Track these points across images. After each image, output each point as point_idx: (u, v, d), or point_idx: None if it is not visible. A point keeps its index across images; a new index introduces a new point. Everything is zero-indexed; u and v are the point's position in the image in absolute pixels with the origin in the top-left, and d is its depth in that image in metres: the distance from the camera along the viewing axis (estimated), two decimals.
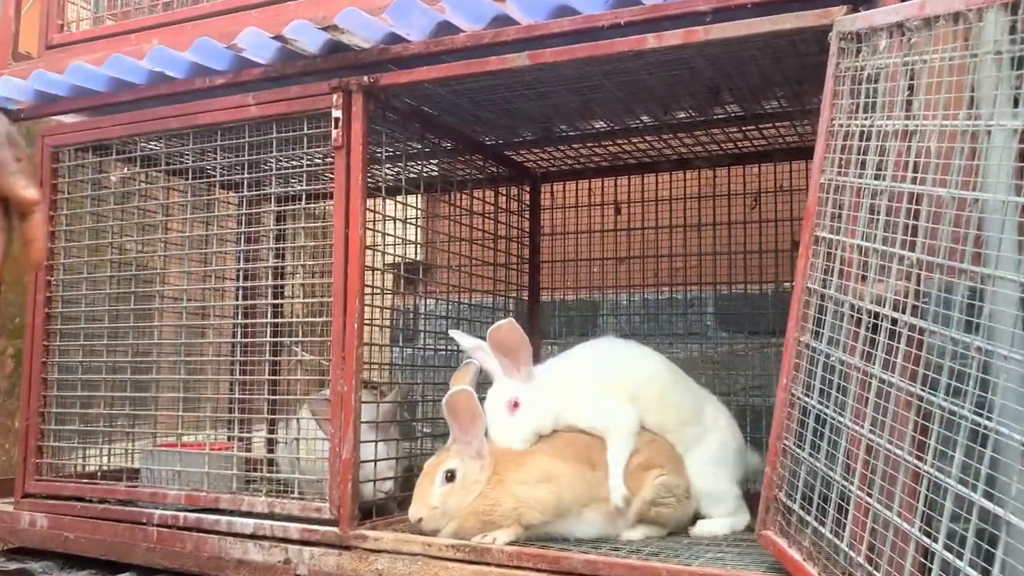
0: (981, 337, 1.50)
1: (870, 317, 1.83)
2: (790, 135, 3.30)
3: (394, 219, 2.94)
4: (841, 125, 1.98)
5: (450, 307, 3.43)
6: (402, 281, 3.64)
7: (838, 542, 1.86)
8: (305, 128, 2.69)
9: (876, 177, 1.84)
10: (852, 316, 1.89)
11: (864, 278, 1.87)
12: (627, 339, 3.07)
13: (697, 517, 2.74)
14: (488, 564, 2.32)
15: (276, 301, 3.00)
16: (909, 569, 1.63)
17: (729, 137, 3.33)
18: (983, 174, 1.54)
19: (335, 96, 2.60)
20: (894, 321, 1.75)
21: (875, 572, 1.74)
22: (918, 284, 1.70)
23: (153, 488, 2.87)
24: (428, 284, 3.76)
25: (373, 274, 2.78)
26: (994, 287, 1.49)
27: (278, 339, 3.14)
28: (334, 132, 2.60)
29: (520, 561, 2.28)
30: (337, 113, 2.59)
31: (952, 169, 1.60)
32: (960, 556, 1.48)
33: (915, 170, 1.72)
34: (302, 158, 2.77)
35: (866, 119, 1.89)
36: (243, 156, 2.79)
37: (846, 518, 1.85)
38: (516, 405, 2.66)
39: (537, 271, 3.81)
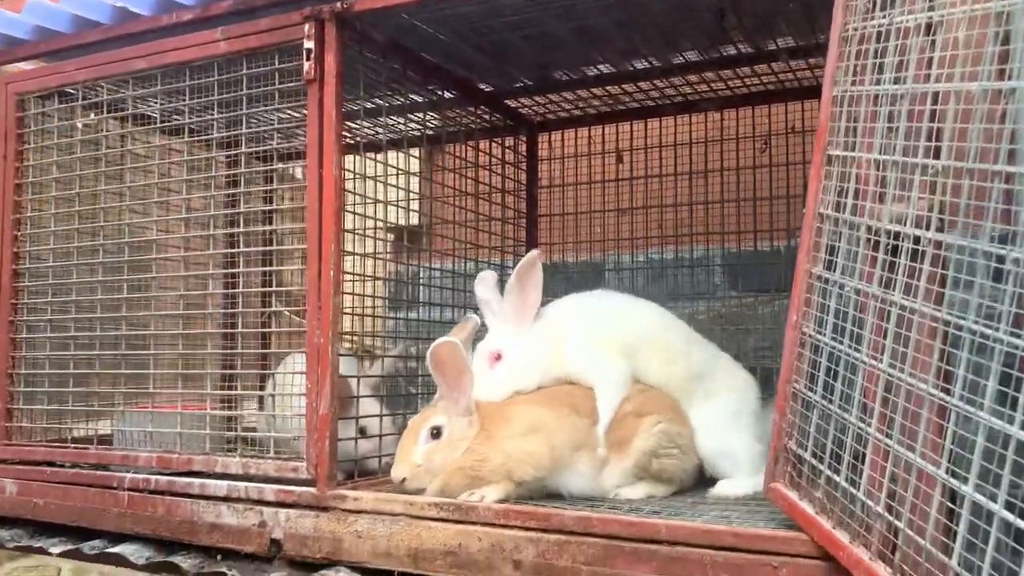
0: (1020, 246, 1.29)
1: (889, 239, 1.62)
2: (803, 72, 3.08)
3: (373, 178, 2.74)
4: (856, 29, 1.77)
5: (444, 270, 3.25)
6: (389, 245, 3.46)
7: (854, 491, 1.66)
8: (277, 63, 2.50)
9: (896, 81, 1.63)
10: (869, 240, 1.69)
11: (882, 196, 1.66)
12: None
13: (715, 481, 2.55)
14: (474, 523, 2.14)
15: (249, 250, 2.81)
16: (935, 516, 1.44)
17: (737, 74, 3.12)
18: (1021, 59, 1.33)
19: (307, 26, 2.41)
20: (916, 240, 1.55)
21: (896, 522, 1.54)
22: (943, 195, 1.49)
23: (124, 451, 2.71)
24: (420, 246, 3.57)
25: (365, 240, 2.61)
26: None
27: (262, 290, 2.98)
28: (306, 64, 2.41)
29: (508, 519, 2.11)
30: (309, 44, 2.40)
31: (984, 58, 1.39)
32: (994, 498, 1.28)
33: (940, 66, 1.51)
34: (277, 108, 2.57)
35: (884, 17, 1.68)
36: (213, 97, 2.60)
37: (863, 464, 1.65)
38: (498, 358, 2.49)
39: (535, 226, 3.62)
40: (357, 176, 2.67)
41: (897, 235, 1.60)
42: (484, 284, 2.63)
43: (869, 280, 1.67)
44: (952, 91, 1.47)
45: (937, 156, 1.51)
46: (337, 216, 2.39)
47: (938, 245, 1.50)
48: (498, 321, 2.57)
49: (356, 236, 2.78)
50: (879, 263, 1.65)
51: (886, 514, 1.57)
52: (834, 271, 1.80)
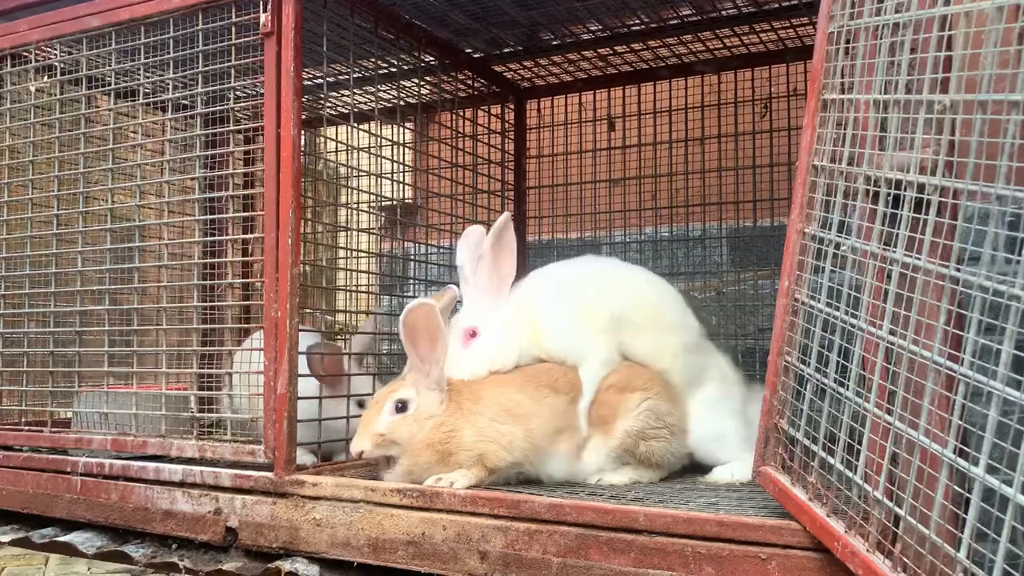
0: None
1: (891, 188, 1.43)
2: (805, 30, 2.88)
3: (346, 146, 2.56)
4: None
5: (428, 246, 3.07)
6: (373, 219, 3.28)
7: (851, 475, 1.48)
8: (233, 16, 2.32)
9: (898, 9, 1.44)
10: (868, 191, 1.49)
11: (883, 142, 1.47)
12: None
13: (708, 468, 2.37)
14: (439, 510, 1.97)
15: (204, 218, 2.64)
16: (941, 502, 1.25)
17: (735, 33, 2.92)
18: None
19: None
20: (921, 188, 1.36)
21: (897, 509, 1.36)
22: (952, 133, 1.29)
23: (78, 433, 2.55)
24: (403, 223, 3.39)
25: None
26: None
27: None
28: (263, 16, 2.23)
29: (475, 507, 1.93)
30: None
31: None
32: (1009, 482, 1.09)
33: None
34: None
35: None
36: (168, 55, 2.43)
37: (860, 445, 1.47)
38: (473, 335, 2.30)
39: (523, 199, 3.43)
40: (341, 148, 2.50)
41: (899, 184, 1.41)
42: (466, 245, 2.40)
43: (868, 237, 1.49)
44: (962, 13, 1.27)
45: (945, 90, 1.31)
46: (296, 180, 2.21)
47: (945, 192, 1.30)
48: (472, 292, 2.37)
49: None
50: (879, 217, 1.45)
51: (886, 500, 1.40)
52: (829, 229, 1.61)
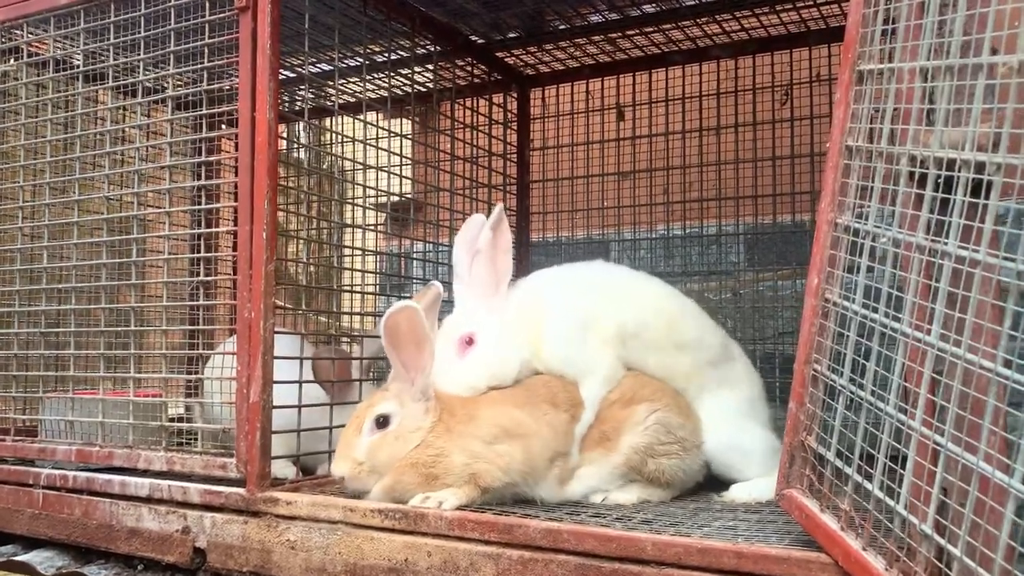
0: None
1: (941, 170, 1.22)
2: (830, 9, 2.67)
3: (339, 137, 2.37)
4: None
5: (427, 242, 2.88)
6: (370, 214, 3.08)
7: (891, 503, 1.27)
8: None
9: None
10: (913, 174, 1.28)
11: (931, 116, 1.26)
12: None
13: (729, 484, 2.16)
14: (424, 534, 1.77)
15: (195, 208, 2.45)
16: (1005, 540, 1.04)
17: (755, 14, 2.71)
18: None
19: None
20: (980, 167, 1.15)
21: (949, 546, 1.15)
22: (1019, 101, 1.08)
23: (42, 443, 2.37)
24: (398, 220, 3.19)
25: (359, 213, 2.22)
26: None
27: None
28: None
29: (464, 531, 1.73)
30: None
31: None
32: None
33: None
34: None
35: None
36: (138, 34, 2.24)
37: (903, 468, 1.25)
38: (470, 342, 2.09)
39: (527, 193, 3.23)
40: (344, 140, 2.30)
41: (952, 164, 1.20)
42: (464, 238, 2.20)
43: (913, 227, 1.28)
44: None
45: (1011, 50, 1.10)
46: (272, 168, 2.02)
47: (1010, 172, 1.09)
48: (465, 290, 2.16)
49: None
50: (926, 203, 1.25)
51: (934, 535, 1.19)
52: (866, 220, 1.40)
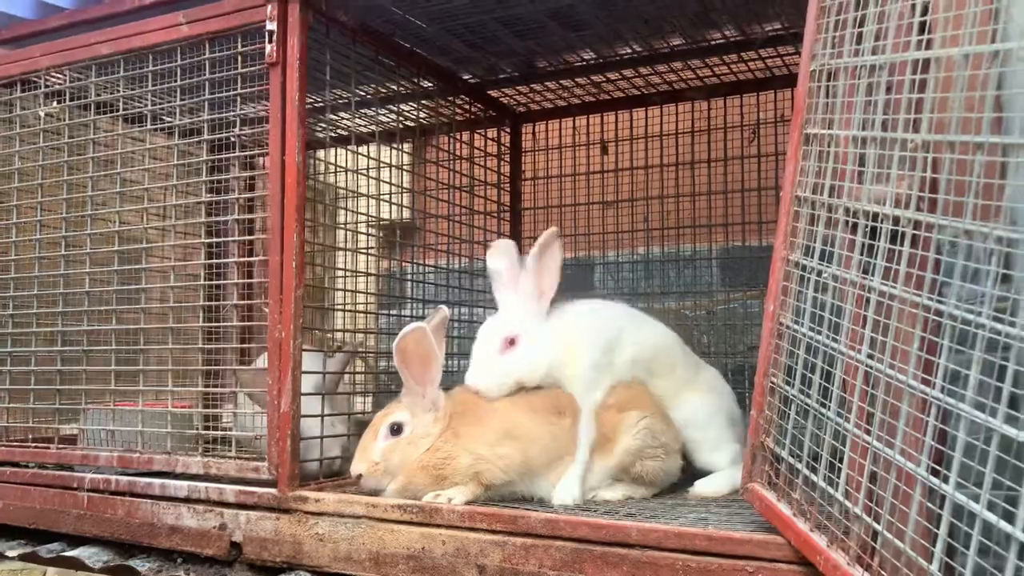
0: (1003, 222, 1.18)
1: (868, 220, 1.52)
2: (792, 58, 2.97)
3: (355, 171, 2.64)
4: None
5: (426, 266, 3.15)
6: (373, 240, 3.35)
7: (832, 491, 1.55)
8: (239, 46, 2.40)
9: (874, 51, 1.53)
10: (848, 222, 1.58)
11: (861, 175, 1.56)
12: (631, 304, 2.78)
13: (693, 479, 2.46)
14: (438, 526, 2.04)
15: (211, 239, 2.71)
16: (915, 518, 1.33)
17: (724, 61, 3.01)
18: (1004, 19, 1.22)
19: (270, 7, 2.32)
20: (896, 220, 1.44)
21: (875, 524, 1.43)
22: (924, 170, 1.38)
23: (84, 450, 2.61)
24: (404, 244, 3.46)
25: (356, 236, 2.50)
26: (1020, 158, 1.18)
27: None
28: (268, 47, 2.31)
29: (473, 522, 2.00)
30: (272, 26, 2.31)
31: (965, 20, 1.28)
32: (976, 498, 1.17)
33: (920, 32, 1.40)
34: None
35: None
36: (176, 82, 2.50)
37: (841, 463, 1.54)
38: (512, 343, 2.34)
39: (519, 219, 3.51)
40: (340, 170, 2.57)
41: (876, 216, 1.49)
42: (500, 252, 2.45)
43: (847, 266, 1.57)
44: (933, 58, 1.36)
45: (917, 129, 1.40)
46: (299, 206, 2.29)
47: (918, 225, 1.39)
48: (515, 298, 2.40)
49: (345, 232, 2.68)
50: (858, 247, 1.54)
51: (865, 516, 1.46)
52: (812, 257, 1.69)
